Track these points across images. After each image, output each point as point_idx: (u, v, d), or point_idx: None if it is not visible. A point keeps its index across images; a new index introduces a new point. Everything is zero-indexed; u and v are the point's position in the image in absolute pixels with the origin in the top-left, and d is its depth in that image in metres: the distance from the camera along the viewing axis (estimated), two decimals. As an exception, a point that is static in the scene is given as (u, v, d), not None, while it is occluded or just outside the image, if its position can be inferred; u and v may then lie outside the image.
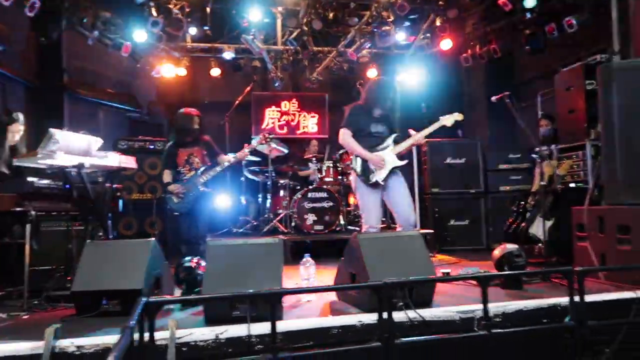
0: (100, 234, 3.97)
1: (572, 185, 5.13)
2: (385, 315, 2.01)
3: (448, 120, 4.21)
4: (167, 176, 4.81)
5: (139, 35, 6.34)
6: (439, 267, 5.00)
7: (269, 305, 2.75)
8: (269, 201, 7.25)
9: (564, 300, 3.09)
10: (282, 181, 7.04)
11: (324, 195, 6.50)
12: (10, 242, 3.76)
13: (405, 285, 2.36)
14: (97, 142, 3.82)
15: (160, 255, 3.45)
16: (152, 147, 6.07)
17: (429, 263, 3.01)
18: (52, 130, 3.45)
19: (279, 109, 8.69)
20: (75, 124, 6.62)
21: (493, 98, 4.21)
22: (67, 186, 3.73)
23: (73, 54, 6.74)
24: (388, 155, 3.98)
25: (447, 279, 2.85)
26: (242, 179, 7.62)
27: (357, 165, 3.99)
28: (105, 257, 3.20)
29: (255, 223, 7.28)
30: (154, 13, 6.12)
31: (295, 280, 3.90)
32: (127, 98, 7.79)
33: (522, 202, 5.39)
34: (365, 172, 3.94)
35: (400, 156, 4.04)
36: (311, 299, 3.45)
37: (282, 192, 7.00)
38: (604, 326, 2.64)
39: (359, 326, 2.77)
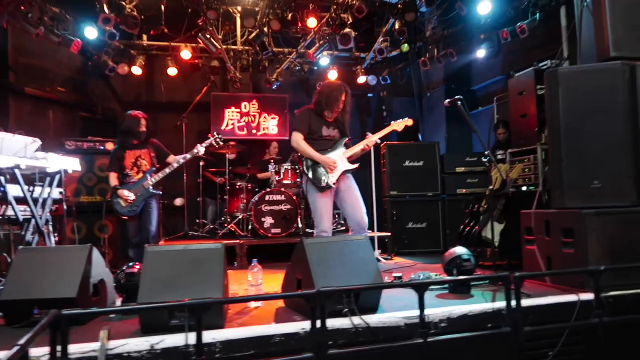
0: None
1: (524, 188, 5.22)
2: (319, 324, 1.94)
3: (399, 125, 4.22)
4: (113, 179, 4.68)
5: (90, 32, 6.11)
6: (393, 270, 5.01)
7: (211, 313, 2.68)
8: (226, 204, 7.12)
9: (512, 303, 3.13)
10: (240, 183, 6.92)
11: (282, 198, 6.42)
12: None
13: (342, 293, 2.30)
14: (35, 143, 3.64)
15: (100, 261, 3.30)
16: (102, 148, 5.85)
17: (375, 268, 2.97)
18: (-18, 130, 3.26)
19: (239, 110, 8.56)
20: (22, 124, 6.33)
21: (446, 102, 4.23)
22: (3, 189, 3.53)
23: (20, 50, 6.43)
24: (340, 159, 3.95)
25: (382, 286, 2.81)
26: (200, 180, 7.47)
27: (309, 168, 3.94)
28: (38, 265, 3.03)
29: (212, 226, 7.13)
30: (106, 10, 5.91)
31: (246, 285, 3.81)
32: (79, 97, 7.50)
33: (476, 206, 5.45)
34: (317, 176, 3.90)
35: (352, 160, 4.02)
36: (259, 305, 3.37)
37: (240, 195, 6.89)
38: (545, 331, 2.66)
39: (303, 334, 2.71)
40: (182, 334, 2.55)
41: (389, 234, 6.65)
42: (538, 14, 5.54)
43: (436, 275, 4.02)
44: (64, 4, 5.92)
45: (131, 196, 4.57)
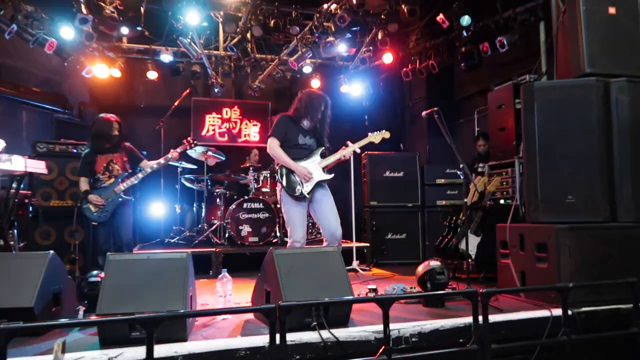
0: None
1: (502, 201, 5.22)
2: (278, 339, 1.87)
3: (376, 137, 4.20)
4: (84, 184, 4.56)
5: (66, 32, 5.97)
6: (367, 282, 4.95)
7: (172, 325, 2.59)
8: (204, 211, 7.01)
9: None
10: (217, 190, 6.82)
11: (260, 205, 6.33)
12: None
13: (306, 307, 2.23)
14: (-1, 144, 3.51)
15: (60, 268, 3.18)
16: (75, 151, 5.70)
17: (345, 281, 2.91)
18: (-59, 129, 3.13)
19: (219, 115, 8.47)
20: (-8, 124, 6.16)
21: (423, 113, 4.22)
22: (-38, 191, 3.40)
23: (-8, 48, 6.27)
24: (315, 168, 3.89)
25: (344, 300, 2.74)
26: (177, 186, 7.34)
27: (283, 176, 3.87)
28: (-6, 271, 2.91)
29: (188, 233, 7.00)
30: (84, 10, 5.79)
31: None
32: (55, 98, 7.32)
33: (454, 218, 5.44)
34: (291, 184, 3.83)
35: (327, 170, 3.96)
36: (227, 317, 3.27)
37: (217, 202, 6.78)
38: (513, 348, 2.61)
39: (268, 348, 2.63)
40: (142, 346, 2.46)
41: (368, 244, 6.60)
42: (517, 29, 5.58)
43: (411, 288, 3.98)
44: (39, 3, 5.78)
45: (100, 201, 4.44)
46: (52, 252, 3.02)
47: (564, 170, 3.58)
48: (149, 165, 4.67)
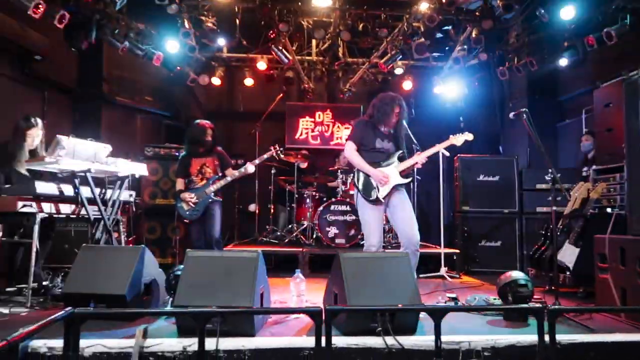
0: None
1: (608, 210, 4.73)
2: (323, 342, 1.88)
3: (457, 139, 4.01)
4: (179, 184, 4.97)
5: (172, 45, 6.53)
6: (452, 290, 4.76)
7: (240, 320, 2.72)
8: (294, 211, 7.23)
9: (566, 337, 2.83)
10: (307, 192, 6.99)
11: (347, 208, 6.39)
12: (20, 241, 3.95)
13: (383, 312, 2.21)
14: (106, 149, 3.94)
15: (152, 261, 3.48)
16: (177, 154, 6.19)
17: (413, 287, 2.84)
18: (59, 136, 3.60)
19: (312, 119, 8.68)
20: (112, 131, 6.92)
21: (511, 114, 3.97)
22: (76, 190, 3.85)
23: (113, 62, 7.04)
24: (392, 173, 3.83)
25: (400, 309, 2.65)
26: (271, 187, 7.65)
27: (359, 180, 3.86)
28: (97, 261, 3.28)
29: (280, 233, 7.26)
30: (186, 24, 6.29)
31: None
32: (164, 106, 8.06)
33: (551, 226, 5.03)
34: (367, 188, 3.81)
35: (405, 174, 3.88)
36: (299, 316, 3.36)
37: (307, 203, 6.95)
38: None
39: (314, 349, 2.65)
40: (214, 338, 2.62)
41: (457, 250, 6.35)
42: (628, 18, 5.00)
43: (494, 299, 3.76)
44: (148, 20, 6.39)
45: (193, 198, 4.79)
46: (144, 246, 3.32)
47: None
48: (231, 174, 4.96)
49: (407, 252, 3.11)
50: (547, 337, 2.10)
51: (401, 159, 3.91)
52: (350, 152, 3.91)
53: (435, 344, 2.01)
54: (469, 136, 4.06)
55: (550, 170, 3.58)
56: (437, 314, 1.94)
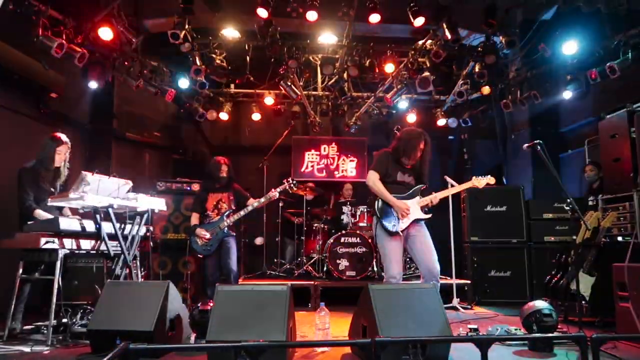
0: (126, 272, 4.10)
1: (619, 238, 4.79)
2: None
3: (480, 182, 4.08)
4: (194, 219, 5.06)
5: (183, 82, 6.68)
6: (470, 321, 4.75)
7: (274, 354, 2.72)
8: (303, 244, 7.23)
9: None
10: (316, 224, 7.02)
11: (357, 240, 6.41)
12: (40, 279, 3.93)
13: (403, 343, 2.23)
14: (127, 184, 3.98)
15: (176, 297, 3.48)
16: (189, 188, 6.25)
17: (443, 318, 2.85)
18: (84, 173, 3.64)
19: (318, 152, 8.79)
20: (122, 165, 6.98)
21: (524, 146, 4.06)
22: (98, 226, 3.88)
23: (123, 99, 7.19)
24: (413, 206, 3.87)
25: (441, 339, 2.67)
26: (279, 220, 7.67)
27: (380, 210, 3.90)
28: (122, 298, 3.28)
29: (288, 266, 7.25)
30: (198, 62, 6.45)
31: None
32: (172, 141, 8.16)
33: (564, 255, 5.08)
34: (387, 219, 3.85)
35: (424, 209, 3.93)
36: (325, 349, 3.35)
37: (315, 235, 6.97)
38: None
39: (366, 383, 2.66)
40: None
41: (469, 281, 6.36)
42: (630, 53, 5.19)
43: (516, 330, 3.77)
44: (161, 58, 6.56)
45: (207, 235, 4.85)
46: (169, 281, 3.33)
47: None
48: (251, 203, 5.05)
49: (434, 283, 3.13)
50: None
51: (423, 194, 3.96)
52: (374, 182, 3.93)
53: (483, 374, 2.02)
54: (491, 180, 4.12)
55: (568, 200, 3.64)
56: (484, 343, 1.97)
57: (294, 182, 5.36)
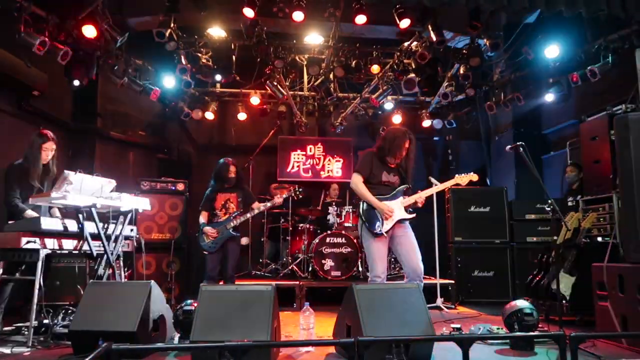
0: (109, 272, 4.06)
1: (599, 239, 4.88)
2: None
3: (463, 179, 4.12)
4: (203, 217, 5.25)
5: (168, 81, 6.63)
6: (453, 320, 4.81)
7: (258, 354, 2.72)
8: (288, 244, 7.23)
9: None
10: (301, 225, 7.03)
11: (343, 240, 6.43)
12: (21, 279, 3.87)
13: (385, 343, 2.25)
14: (110, 184, 3.94)
15: (160, 297, 3.46)
16: (173, 188, 6.22)
17: (426, 318, 2.88)
18: (66, 172, 3.60)
19: (304, 152, 8.79)
20: (105, 164, 6.90)
21: (507, 147, 4.12)
22: (80, 225, 3.83)
23: (107, 98, 7.11)
24: (397, 207, 3.89)
25: (424, 338, 2.69)
26: (264, 220, 7.65)
27: (364, 212, 3.92)
28: (104, 298, 3.24)
29: (274, 266, 7.24)
30: (183, 61, 6.41)
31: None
32: (157, 140, 8.09)
33: (545, 256, 5.16)
34: (371, 220, 3.87)
35: (409, 209, 3.95)
36: (310, 349, 3.36)
37: (301, 236, 6.98)
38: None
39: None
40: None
41: (452, 281, 6.42)
42: (610, 57, 5.30)
43: (498, 329, 3.82)
44: (146, 56, 6.51)
45: (214, 233, 5.07)
46: (153, 282, 3.31)
47: (666, 206, 3.32)
48: (257, 207, 5.25)
49: (418, 283, 3.16)
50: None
51: (406, 193, 3.98)
52: (357, 184, 3.94)
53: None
54: (474, 177, 4.17)
55: (549, 201, 3.70)
56: (465, 342, 1.99)
57: (299, 189, 5.54)
